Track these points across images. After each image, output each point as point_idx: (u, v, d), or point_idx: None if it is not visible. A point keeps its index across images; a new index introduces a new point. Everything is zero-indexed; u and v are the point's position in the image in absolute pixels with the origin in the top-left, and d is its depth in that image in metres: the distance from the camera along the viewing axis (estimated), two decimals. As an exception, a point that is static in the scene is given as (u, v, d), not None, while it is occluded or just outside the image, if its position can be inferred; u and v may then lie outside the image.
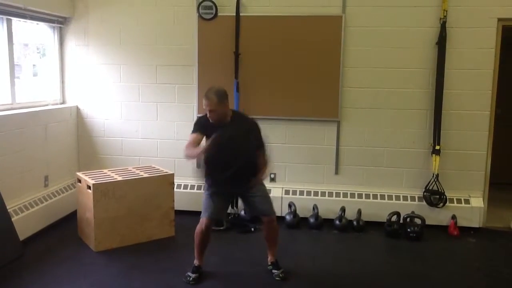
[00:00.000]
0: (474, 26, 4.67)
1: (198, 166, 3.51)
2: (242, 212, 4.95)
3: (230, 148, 3.35)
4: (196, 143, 3.50)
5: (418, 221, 4.68)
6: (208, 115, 3.50)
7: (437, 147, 4.77)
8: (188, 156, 3.51)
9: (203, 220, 3.62)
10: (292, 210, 4.89)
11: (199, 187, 5.09)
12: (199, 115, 4.24)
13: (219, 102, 3.43)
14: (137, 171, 4.57)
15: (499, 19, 4.64)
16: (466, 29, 4.68)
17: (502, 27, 4.67)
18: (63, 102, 5.34)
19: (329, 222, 4.88)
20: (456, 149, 4.85)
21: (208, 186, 3.63)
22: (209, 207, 3.60)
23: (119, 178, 4.32)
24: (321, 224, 4.85)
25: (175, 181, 4.65)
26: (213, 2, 4.91)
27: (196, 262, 3.73)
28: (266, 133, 4.96)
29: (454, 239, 4.68)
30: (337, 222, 4.83)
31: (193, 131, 3.58)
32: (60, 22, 5.16)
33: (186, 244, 4.12)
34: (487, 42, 4.67)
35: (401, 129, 4.91)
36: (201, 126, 3.58)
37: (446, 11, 4.64)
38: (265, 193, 3.70)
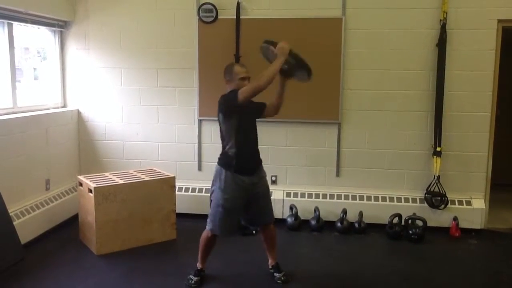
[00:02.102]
0: (474, 27, 4.67)
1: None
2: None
3: (252, 119, 3.66)
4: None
5: (419, 222, 4.67)
6: (245, 83, 3.55)
7: (438, 149, 4.77)
8: (269, 79, 3.43)
9: (211, 234, 3.58)
10: (293, 212, 4.89)
11: (200, 190, 5.10)
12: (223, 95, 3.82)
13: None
14: (139, 174, 4.58)
15: (499, 21, 4.64)
16: (466, 31, 4.69)
17: (502, 28, 4.67)
18: (64, 106, 5.35)
19: (330, 224, 4.87)
20: (457, 150, 4.85)
21: (223, 192, 3.45)
22: (221, 223, 3.50)
23: (121, 182, 4.32)
24: (322, 226, 4.85)
25: (176, 184, 4.64)
26: (213, 5, 4.91)
27: (199, 265, 3.72)
28: (266, 136, 5.03)
29: (455, 240, 4.68)
30: (339, 224, 4.83)
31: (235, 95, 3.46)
32: (60, 26, 5.17)
33: (187, 247, 4.12)
34: (487, 44, 4.67)
35: (402, 131, 4.91)
36: None
37: (446, 13, 4.64)
38: (268, 198, 3.69)
